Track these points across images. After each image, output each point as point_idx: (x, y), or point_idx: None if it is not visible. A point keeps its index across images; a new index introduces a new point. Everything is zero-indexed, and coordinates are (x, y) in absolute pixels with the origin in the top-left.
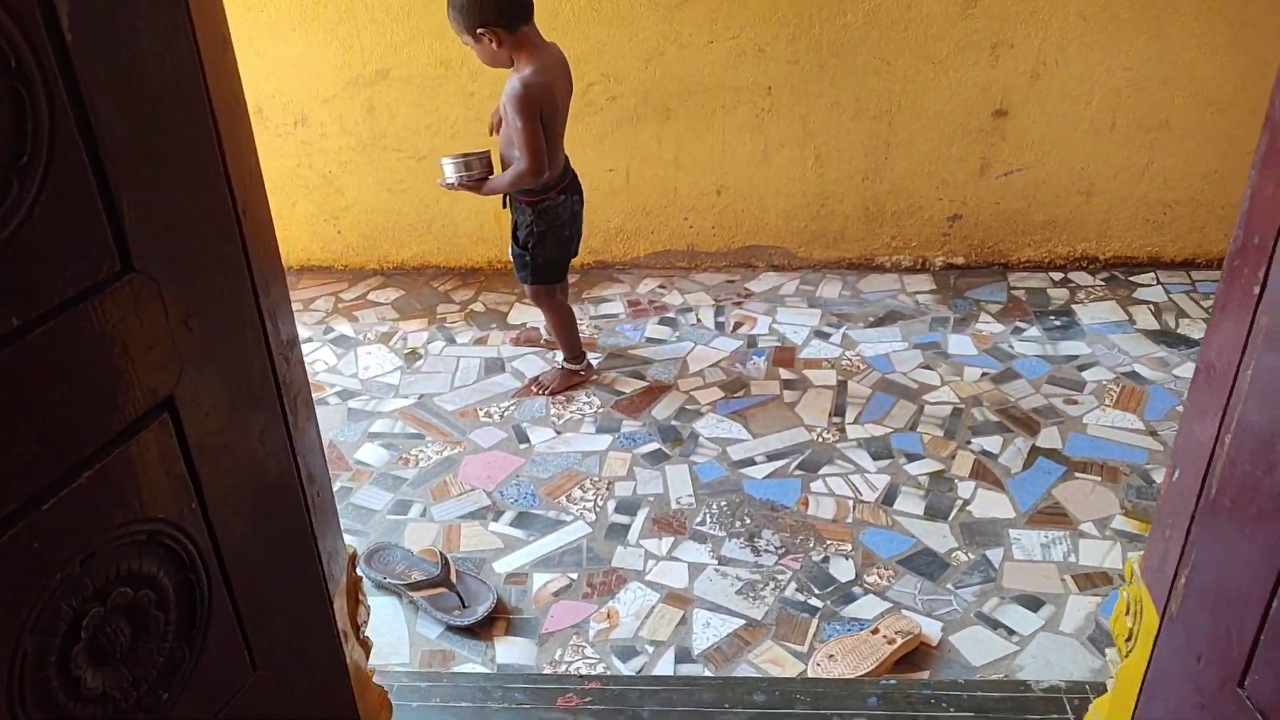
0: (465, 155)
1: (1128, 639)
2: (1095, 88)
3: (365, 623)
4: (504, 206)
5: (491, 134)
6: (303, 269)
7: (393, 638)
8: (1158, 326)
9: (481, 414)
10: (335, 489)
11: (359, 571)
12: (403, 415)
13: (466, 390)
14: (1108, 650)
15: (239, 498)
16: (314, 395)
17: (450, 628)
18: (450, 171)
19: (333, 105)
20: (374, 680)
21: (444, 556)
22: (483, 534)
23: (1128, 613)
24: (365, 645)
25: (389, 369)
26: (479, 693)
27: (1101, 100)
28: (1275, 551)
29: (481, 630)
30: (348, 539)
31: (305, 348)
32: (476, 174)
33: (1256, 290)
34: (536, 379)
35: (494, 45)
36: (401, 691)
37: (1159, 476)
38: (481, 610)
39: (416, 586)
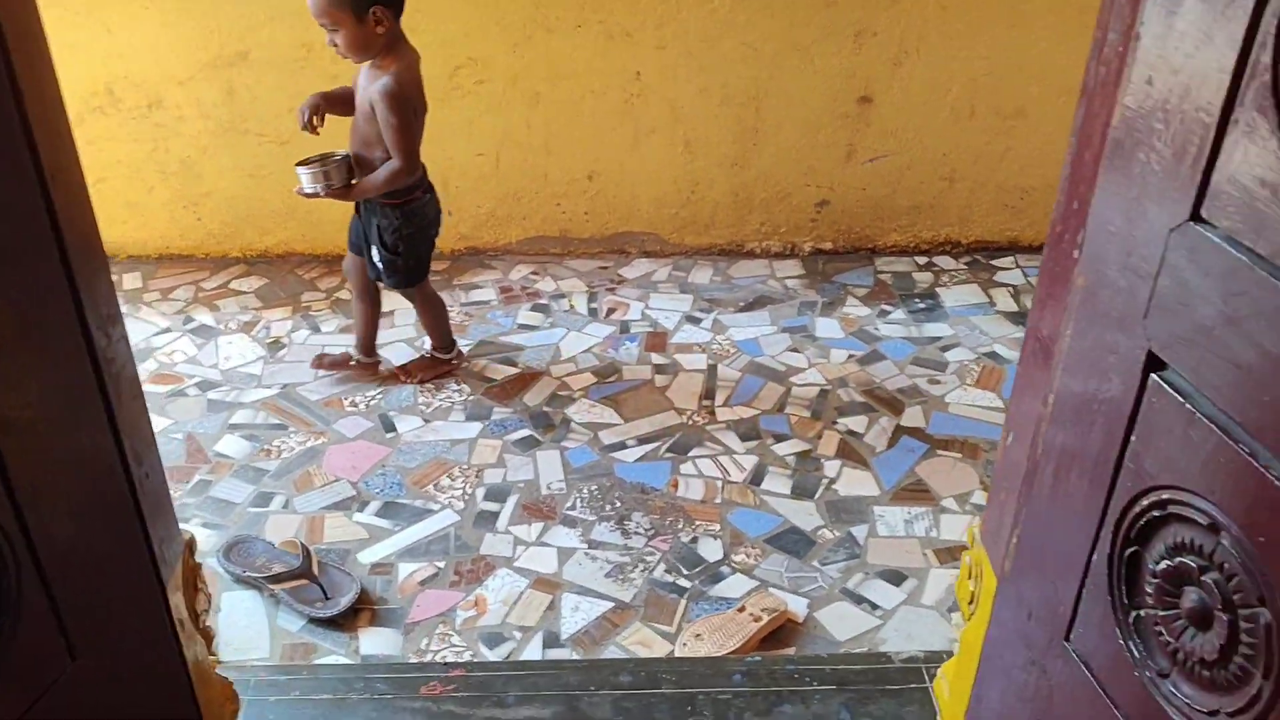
0: (322, 159)
1: (970, 602)
2: (955, 75)
3: (206, 611)
4: (356, 213)
5: (309, 130)
6: (161, 258)
7: (252, 632)
8: (1016, 308)
9: (346, 404)
10: (194, 482)
11: (216, 564)
12: (265, 406)
13: (331, 380)
14: (953, 615)
15: (53, 479)
16: (172, 387)
17: (312, 620)
18: (308, 181)
19: (190, 87)
20: (221, 673)
21: (306, 548)
22: (347, 525)
23: (970, 576)
24: (207, 635)
25: (251, 359)
26: (339, 684)
27: (961, 88)
28: (1093, 509)
29: (345, 622)
30: (206, 532)
31: (164, 338)
32: (337, 183)
33: (1076, 254)
34: (404, 367)
35: (379, 29)
36: (259, 686)
37: None
38: (345, 601)
39: (277, 579)
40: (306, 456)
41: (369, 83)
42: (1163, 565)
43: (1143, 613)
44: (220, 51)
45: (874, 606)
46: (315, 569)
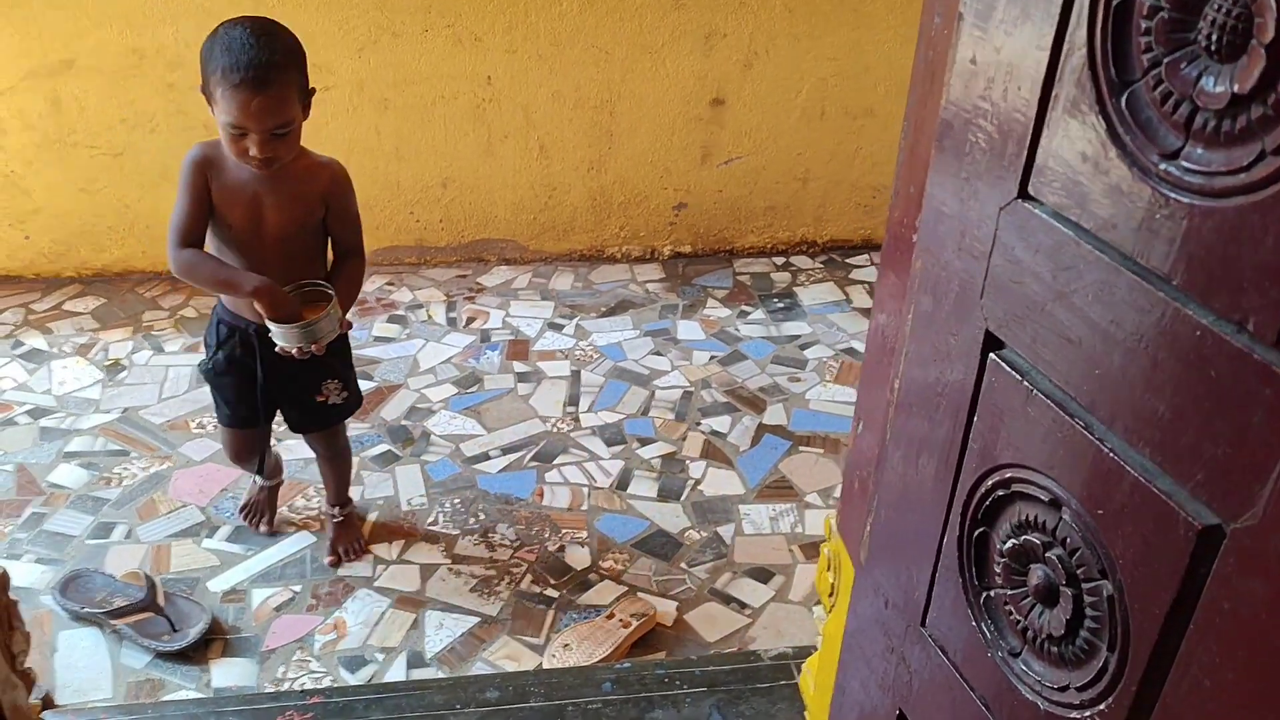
0: (304, 303)
1: (830, 594)
2: (805, 76)
3: (24, 652)
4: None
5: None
6: None
7: (93, 672)
8: (871, 305)
9: (193, 425)
10: (25, 515)
11: (52, 602)
12: (104, 431)
13: (176, 401)
14: (814, 609)
15: None
16: (0, 416)
17: (159, 655)
18: (300, 338)
19: (11, 98)
20: (56, 717)
21: (150, 579)
22: (195, 552)
23: (829, 569)
24: (26, 678)
25: (88, 383)
26: None
27: (811, 88)
28: (942, 492)
29: (195, 654)
30: (40, 569)
31: None
32: (341, 325)
33: (915, 239)
34: (336, 550)
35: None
36: None
37: None
38: (194, 633)
39: (119, 613)
40: (151, 483)
41: (285, 183)
42: (1009, 544)
43: (993, 593)
44: (43, 59)
45: (742, 605)
46: (161, 600)
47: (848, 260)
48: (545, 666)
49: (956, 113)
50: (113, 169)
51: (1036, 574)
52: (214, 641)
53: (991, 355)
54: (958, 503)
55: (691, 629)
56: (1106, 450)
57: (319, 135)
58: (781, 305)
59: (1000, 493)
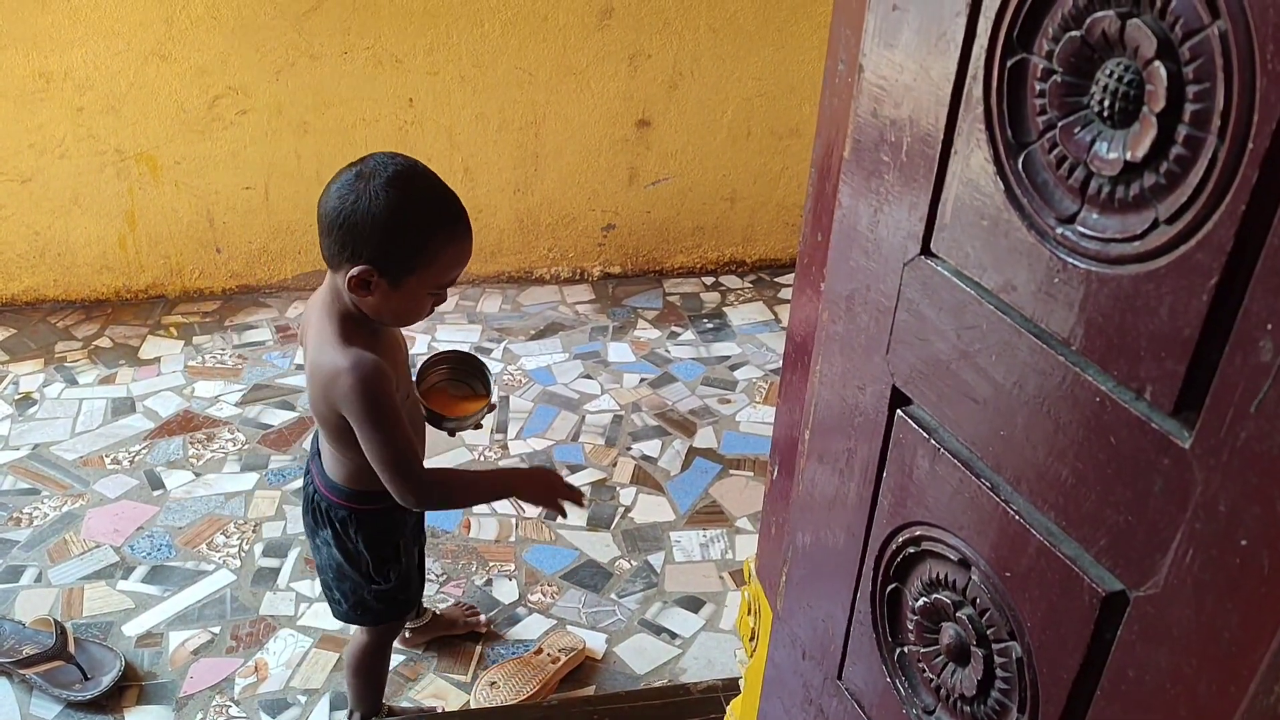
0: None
1: (751, 639)
2: (730, 97)
3: None
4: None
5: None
6: None
7: None
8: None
9: (108, 461)
10: None
11: None
12: (13, 469)
13: (90, 436)
14: (736, 651)
15: None
16: None
17: (71, 705)
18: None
19: None
20: None
21: (60, 625)
22: (110, 594)
23: (750, 612)
24: None
25: None
26: None
27: (736, 109)
28: (853, 547)
29: (109, 702)
30: None
31: None
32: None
33: (823, 287)
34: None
35: None
36: None
37: None
38: (106, 681)
39: (27, 663)
40: (63, 522)
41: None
42: (921, 602)
43: (906, 649)
44: None
45: (673, 636)
46: (71, 647)
47: (776, 279)
48: (473, 705)
49: (858, 163)
50: (21, 195)
51: (948, 633)
52: (128, 688)
53: (899, 411)
54: (870, 557)
55: (621, 661)
56: (1012, 512)
57: (236, 160)
58: (711, 326)
59: (910, 550)
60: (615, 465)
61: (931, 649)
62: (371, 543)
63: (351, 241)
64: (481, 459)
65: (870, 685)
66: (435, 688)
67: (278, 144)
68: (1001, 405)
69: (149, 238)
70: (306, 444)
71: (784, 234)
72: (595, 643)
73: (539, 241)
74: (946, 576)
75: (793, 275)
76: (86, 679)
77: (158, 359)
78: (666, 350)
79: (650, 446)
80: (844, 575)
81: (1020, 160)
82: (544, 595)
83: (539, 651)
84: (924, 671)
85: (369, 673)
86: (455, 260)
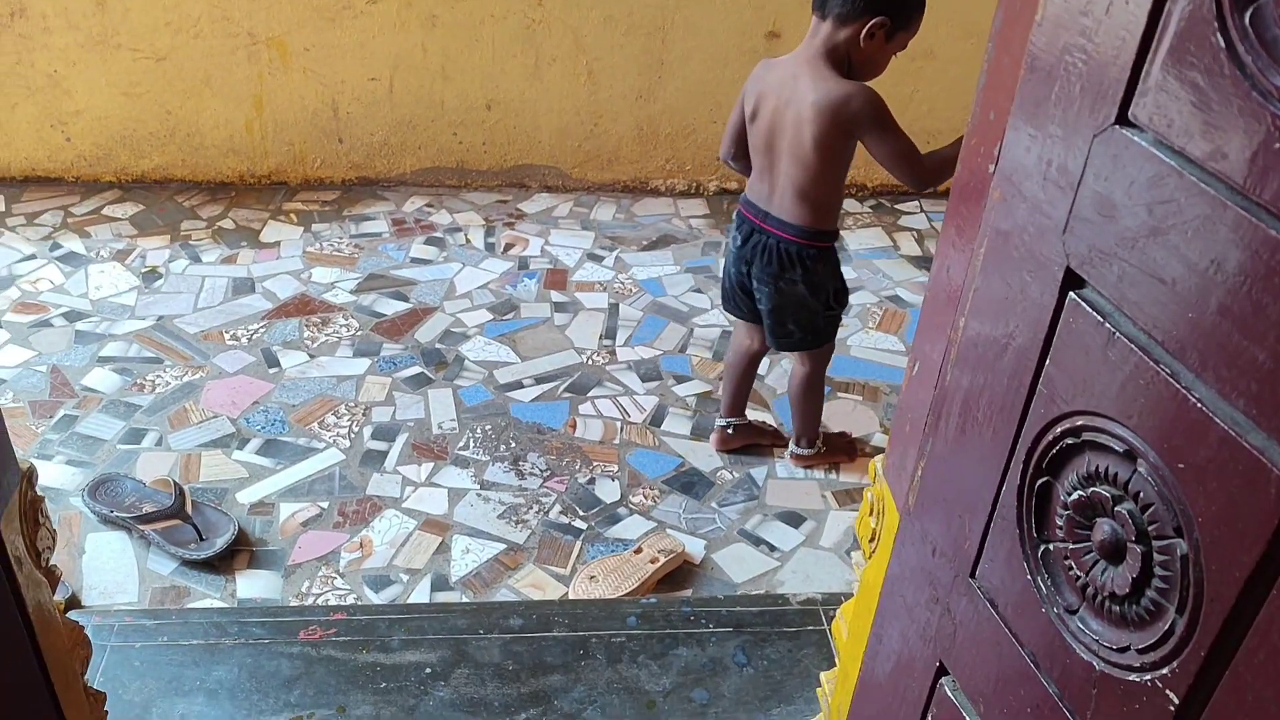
0: None
1: (871, 540)
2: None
3: (50, 549)
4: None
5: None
6: (27, 179)
7: (120, 575)
8: (919, 252)
9: (227, 337)
10: (58, 417)
11: (81, 504)
12: (139, 338)
13: (211, 311)
14: (854, 554)
15: None
16: (36, 317)
17: (185, 562)
18: None
19: None
20: (79, 617)
21: (179, 487)
22: (225, 463)
23: (871, 513)
24: (51, 575)
25: (124, 289)
26: (212, 629)
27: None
28: (1003, 439)
29: (221, 564)
30: (71, 470)
31: (27, 265)
32: None
33: (991, 169)
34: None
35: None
36: (124, 631)
37: None
38: (220, 543)
39: (148, 519)
40: (183, 391)
41: None
42: (1075, 496)
43: (1052, 546)
44: None
45: (772, 548)
46: (189, 509)
47: (897, 206)
48: (570, 597)
49: (1052, 31)
50: (155, 73)
51: (1103, 529)
52: (239, 552)
53: (1071, 294)
54: (1020, 451)
55: (719, 568)
56: (1194, 400)
57: (364, 50)
58: None
59: (1069, 441)
60: (721, 379)
61: (1081, 545)
62: (833, 273)
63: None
64: (589, 361)
65: (1007, 583)
66: (534, 578)
67: (406, 36)
68: (1193, 286)
69: (275, 124)
70: (418, 335)
71: None
72: (694, 548)
73: (657, 152)
74: (1107, 470)
75: (915, 203)
76: (201, 539)
77: (278, 243)
78: None
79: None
80: (989, 469)
81: (1248, 15)
82: (645, 498)
83: (639, 551)
84: (1070, 569)
85: (814, 397)
86: (918, 28)
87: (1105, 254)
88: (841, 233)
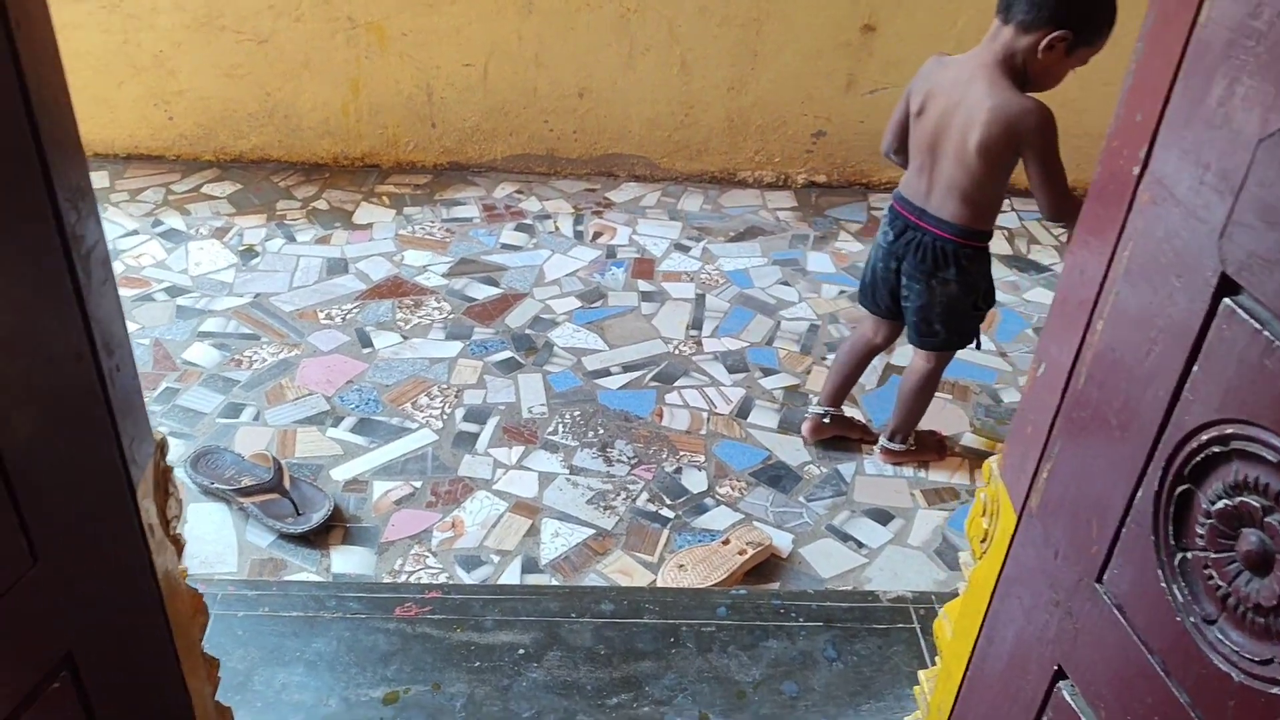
0: None
1: (983, 540)
2: (962, 6)
3: (177, 518)
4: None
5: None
6: (130, 157)
7: (220, 546)
8: (1011, 251)
9: (322, 316)
10: (160, 390)
11: (182, 474)
12: (236, 315)
13: (306, 291)
14: (961, 554)
15: (13, 366)
16: (140, 291)
17: (282, 536)
18: None
19: None
20: (189, 583)
21: (277, 461)
22: (320, 440)
23: (984, 514)
24: (177, 543)
25: (223, 266)
26: (311, 602)
27: (969, 19)
28: (1141, 444)
29: (316, 539)
30: (173, 442)
31: (130, 240)
32: None
33: (1136, 170)
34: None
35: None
36: (226, 600)
37: (1008, 396)
38: (316, 518)
39: (247, 492)
40: (279, 368)
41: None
42: (1220, 505)
43: (1190, 555)
44: None
45: (860, 545)
46: (286, 483)
47: None
48: (659, 585)
49: (1217, 31)
50: (257, 55)
51: (1249, 539)
52: (334, 528)
53: (1225, 300)
54: (1159, 456)
55: (806, 563)
56: None
57: (460, 36)
58: None
59: (1215, 449)
60: (809, 373)
61: (1224, 555)
62: (985, 273)
63: (1063, 10)
64: (676, 351)
65: (1138, 589)
66: (623, 564)
67: (502, 23)
68: None
69: (370, 107)
70: (509, 320)
71: None
72: (781, 541)
73: (746, 143)
74: (1257, 480)
75: (1007, 201)
76: (298, 514)
77: (370, 225)
78: None
79: None
80: (1122, 475)
81: None
82: (732, 490)
83: (726, 542)
84: (1210, 578)
85: (925, 395)
86: (1101, 47)
87: (1267, 261)
88: None
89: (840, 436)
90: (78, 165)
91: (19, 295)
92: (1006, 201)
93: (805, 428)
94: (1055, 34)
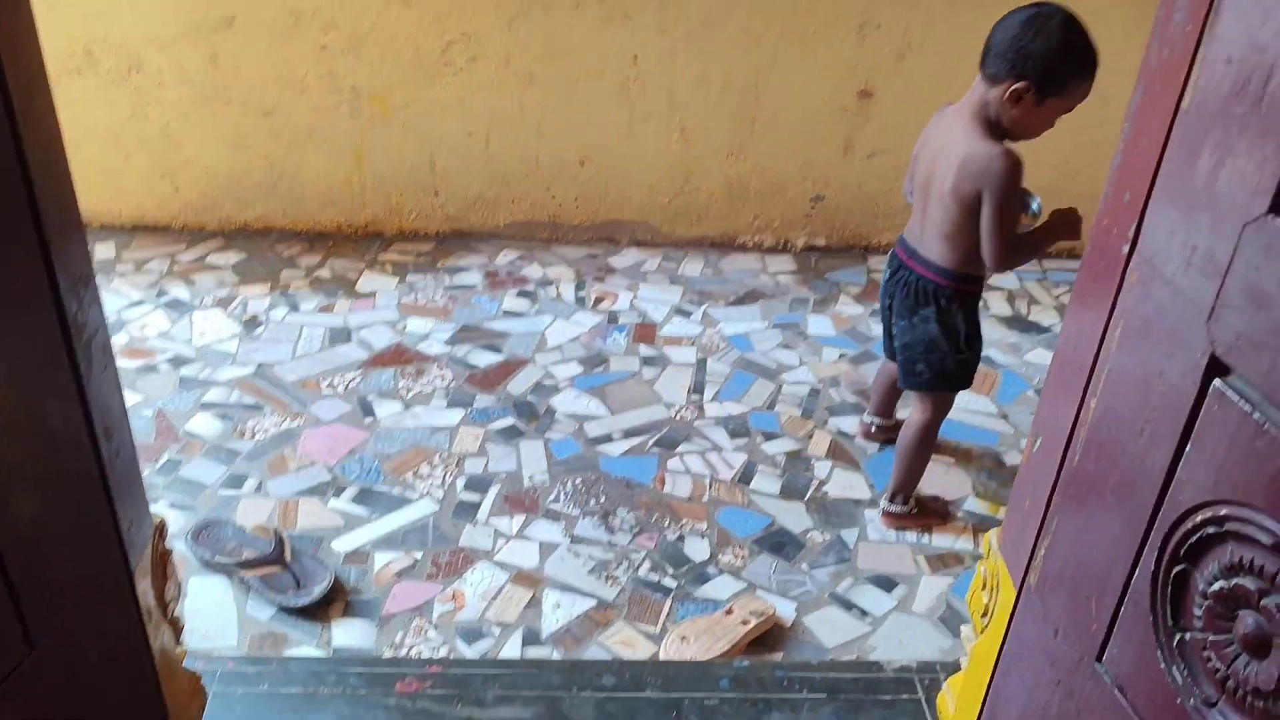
0: None
1: (984, 614)
2: (960, 70)
3: (176, 600)
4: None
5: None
6: (136, 228)
7: (220, 619)
8: (1011, 313)
9: (324, 385)
10: (163, 461)
11: (184, 547)
12: (239, 385)
13: (309, 359)
14: (963, 627)
15: (15, 453)
16: (143, 361)
17: (283, 609)
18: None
19: (172, 52)
20: (187, 665)
21: (279, 534)
22: (322, 511)
23: (984, 587)
24: (175, 625)
25: (226, 336)
26: (311, 677)
27: (965, 83)
28: (1136, 523)
29: (317, 612)
30: (174, 514)
31: (135, 311)
32: None
33: (1125, 250)
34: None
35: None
36: (226, 677)
37: (1010, 459)
38: (317, 590)
39: (248, 565)
40: (281, 439)
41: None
42: (1216, 586)
43: (1189, 636)
44: (205, 15)
45: (864, 613)
46: (288, 556)
47: None
48: (661, 657)
49: (1199, 116)
50: (262, 127)
51: (1246, 621)
52: (335, 601)
53: (1216, 382)
54: (1155, 536)
55: (810, 632)
56: None
57: (462, 106)
58: None
59: (1210, 530)
60: (811, 438)
61: (1223, 637)
62: (968, 317)
63: (1022, 62)
64: (678, 416)
65: (1139, 670)
66: (625, 635)
67: (503, 93)
68: None
69: (374, 176)
70: (510, 388)
71: None
72: (784, 610)
73: (746, 208)
74: (1253, 561)
75: None
76: (299, 587)
77: (373, 293)
78: (868, 327)
79: (848, 422)
80: (1119, 552)
81: None
82: (734, 558)
83: (729, 612)
84: (1209, 660)
85: (924, 450)
86: (1081, 96)
87: (1255, 344)
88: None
89: (890, 441)
90: (80, 253)
91: (20, 381)
92: None
93: (859, 430)
94: (1017, 85)
